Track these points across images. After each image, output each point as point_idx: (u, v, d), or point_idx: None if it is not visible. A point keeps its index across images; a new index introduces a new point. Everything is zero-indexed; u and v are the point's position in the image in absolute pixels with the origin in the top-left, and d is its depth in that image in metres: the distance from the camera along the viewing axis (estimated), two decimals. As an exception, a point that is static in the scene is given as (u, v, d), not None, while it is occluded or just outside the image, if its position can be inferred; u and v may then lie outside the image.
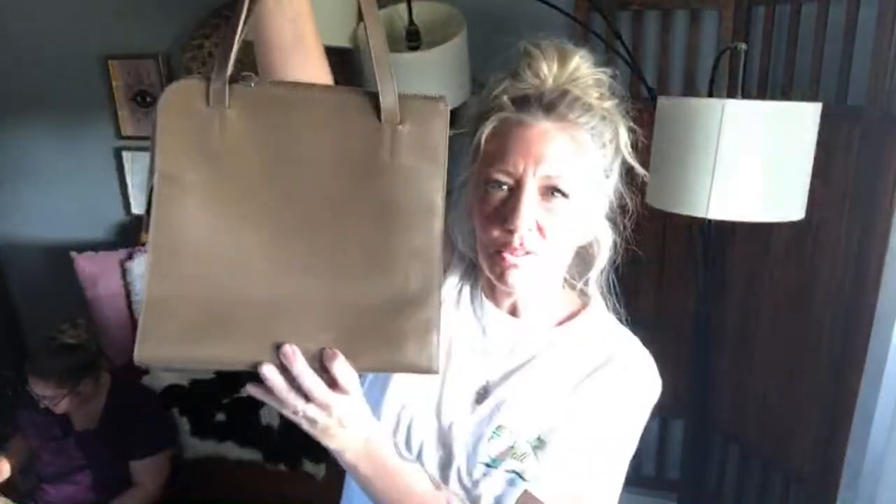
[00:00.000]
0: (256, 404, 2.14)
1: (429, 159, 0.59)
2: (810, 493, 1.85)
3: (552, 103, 0.72)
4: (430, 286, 0.60)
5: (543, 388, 0.78)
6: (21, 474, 2.17)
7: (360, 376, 0.63)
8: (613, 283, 0.85)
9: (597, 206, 0.78)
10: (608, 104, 0.75)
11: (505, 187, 0.72)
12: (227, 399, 2.21)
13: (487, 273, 0.78)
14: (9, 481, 2.01)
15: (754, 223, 1.42)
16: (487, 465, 0.75)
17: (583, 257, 0.83)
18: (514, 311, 0.82)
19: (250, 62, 0.73)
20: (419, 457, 0.78)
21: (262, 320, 0.57)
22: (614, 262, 0.83)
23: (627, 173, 0.81)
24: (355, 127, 0.58)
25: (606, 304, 0.86)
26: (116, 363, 2.44)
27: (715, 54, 1.76)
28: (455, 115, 2.29)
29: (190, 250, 0.57)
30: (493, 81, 0.76)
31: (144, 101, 2.66)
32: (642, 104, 1.67)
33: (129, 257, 2.53)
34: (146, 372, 2.40)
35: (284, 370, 0.58)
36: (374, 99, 0.58)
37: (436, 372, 0.61)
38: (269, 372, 0.58)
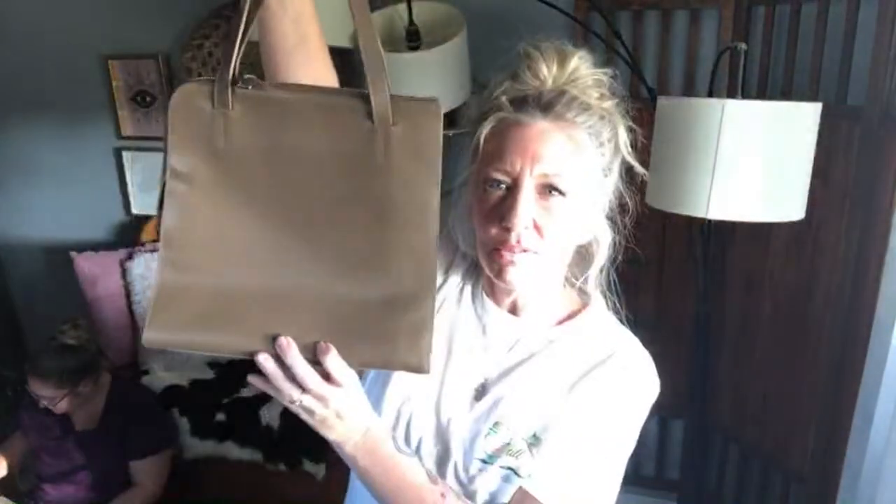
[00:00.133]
0: (256, 404, 2.15)
1: (422, 160, 0.59)
2: (810, 493, 1.85)
3: (550, 103, 0.73)
4: (425, 286, 0.61)
5: (541, 385, 0.79)
6: (21, 474, 2.17)
7: (360, 372, 0.64)
8: (614, 282, 0.85)
9: (596, 205, 0.79)
10: (607, 104, 0.76)
11: (503, 186, 0.73)
12: (227, 399, 2.21)
13: (487, 271, 0.78)
14: (9, 481, 2.02)
15: (754, 223, 1.42)
16: (483, 462, 0.76)
17: (583, 256, 0.83)
18: (514, 310, 0.83)
19: (258, 62, 0.74)
20: (417, 452, 0.79)
21: (262, 312, 0.60)
22: (614, 261, 0.83)
23: (627, 173, 0.81)
24: (350, 128, 0.59)
25: (607, 304, 0.86)
26: (116, 363, 2.45)
27: (715, 54, 1.76)
28: (455, 115, 2.29)
29: (196, 244, 0.61)
30: (494, 83, 0.77)
31: (144, 101, 2.67)
32: (642, 104, 1.67)
33: (129, 257, 2.53)
34: (146, 372, 2.41)
35: (280, 360, 0.60)
36: (368, 101, 0.59)
37: (426, 372, 0.62)
38: (265, 360, 0.60)
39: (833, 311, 1.74)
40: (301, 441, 2.05)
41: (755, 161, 1.32)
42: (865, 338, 1.65)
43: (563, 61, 0.74)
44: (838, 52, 1.67)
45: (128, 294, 2.52)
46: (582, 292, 0.86)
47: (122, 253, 2.56)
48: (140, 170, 2.75)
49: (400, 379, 0.81)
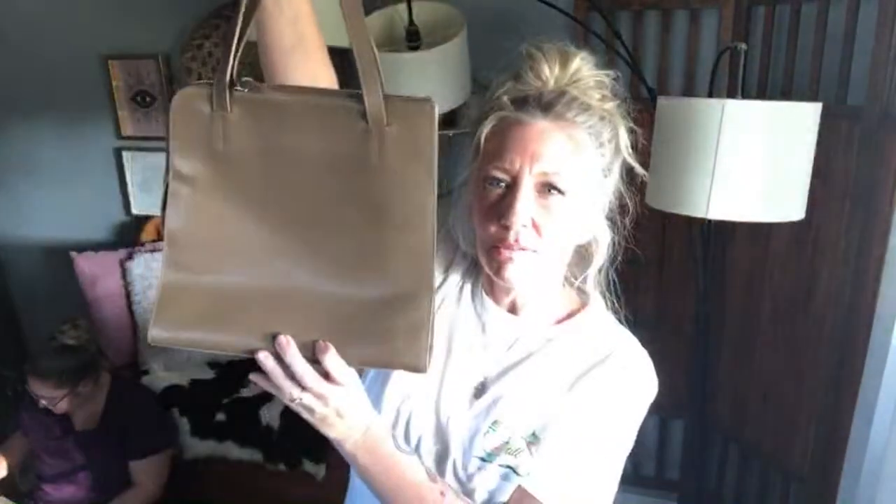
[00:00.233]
0: (256, 404, 2.15)
1: (417, 160, 0.59)
2: (810, 493, 1.85)
3: (550, 103, 0.73)
4: (423, 285, 0.61)
5: (540, 384, 0.79)
6: (21, 474, 2.17)
7: (360, 371, 0.64)
8: (614, 282, 0.85)
9: (595, 205, 0.79)
10: (609, 105, 0.76)
11: (502, 184, 0.74)
12: (227, 399, 2.21)
13: (486, 268, 0.79)
14: (9, 481, 2.02)
15: (754, 223, 1.42)
16: (482, 460, 0.77)
17: (582, 256, 0.84)
18: (513, 309, 0.83)
19: (257, 62, 0.74)
20: (417, 450, 0.79)
21: (262, 311, 0.61)
22: (614, 261, 0.84)
23: (627, 174, 0.81)
24: (345, 130, 0.60)
25: (606, 304, 0.86)
26: (116, 363, 2.45)
27: (715, 54, 1.76)
28: (455, 115, 2.29)
29: (199, 244, 0.62)
30: (496, 83, 0.78)
31: (144, 101, 2.67)
32: (642, 104, 1.67)
33: (129, 257, 2.53)
34: (146, 372, 2.41)
35: (280, 359, 0.61)
36: (363, 102, 0.59)
37: (424, 371, 0.62)
38: (265, 358, 0.61)
39: (833, 311, 1.74)
40: (301, 441, 2.05)
41: (755, 161, 1.32)
42: (865, 338, 1.65)
43: (565, 62, 0.75)
44: (838, 52, 1.67)
45: (128, 294, 2.52)
46: (581, 292, 0.86)
47: (122, 253, 2.56)
48: (140, 170, 2.75)
49: (399, 377, 0.81)
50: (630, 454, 0.80)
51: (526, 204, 0.72)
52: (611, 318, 0.86)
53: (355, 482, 0.89)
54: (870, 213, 1.61)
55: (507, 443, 0.77)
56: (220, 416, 2.17)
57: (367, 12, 1.89)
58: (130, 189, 2.78)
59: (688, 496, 2.26)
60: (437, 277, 0.85)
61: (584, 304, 0.85)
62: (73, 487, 1.97)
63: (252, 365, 0.62)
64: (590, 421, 0.77)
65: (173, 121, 0.61)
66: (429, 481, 0.73)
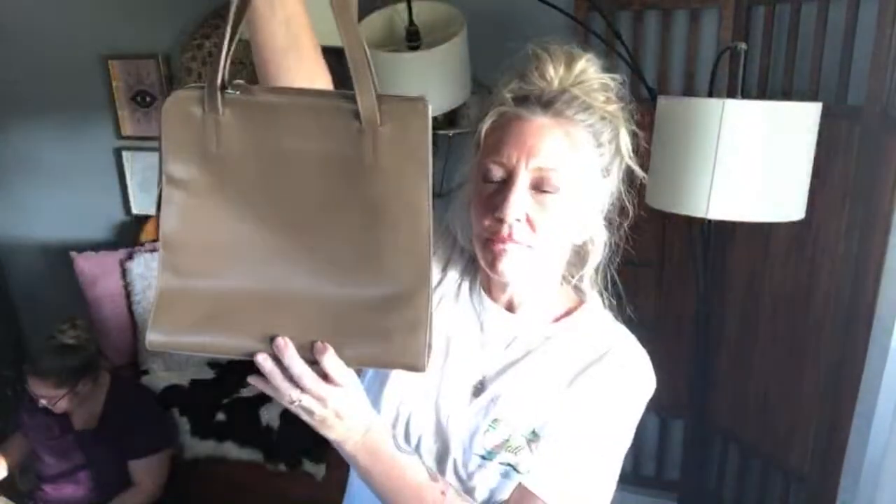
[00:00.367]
0: (256, 404, 2.15)
1: (411, 159, 0.59)
2: (810, 493, 1.86)
3: (550, 100, 0.74)
4: (420, 284, 0.61)
5: (539, 382, 0.79)
6: (21, 474, 2.18)
7: (358, 371, 0.64)
8: (614, 282, 0.85)
9: (593, 204, 0.79)
10: (612, 107, 0.77)
11: (499, 178, 0.74)
12: (227, 399, 2.21)
13: (481, 262, 0.79)
14: (9, 481, 2.02)
15: (754, 223, 1.42)
16: (482, 458, 0.77)
17: (581, 256, 0.84)
18: (511, 307, 0.83)
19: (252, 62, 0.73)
20: (417, 449, 0.79)
21: (260, 313, 0.61)
22: (611, 261, 0.84)
23: (627, 175, 0.82)
24: (338, 130, 0.60)
25: (603, 302, 0.87)
26: (116, 363, 2.45)
27: (715, 54, 1.76)
28: (455, 115, 2.28)
29: (195, 248, 0.62)
30: (501, 82, 0.78)
31: (144, 101, 2.67)
32: (642, 104, 1.67)
33: (129, 257, 2.53)
34: (146, 372, 2.41)
35: (278, 361, 0.61)
36: (356, 102, 0.59)
37: (422, 370, 0.62)
38: (264, 360, 0.61)
39: (833, 311, 1.74)
40: (301, 441, 2.05)
41: (755, 161, 1.32)
42: (865, 338, 1.65)
43: (570, 63, 0.75)
44: (838, 52, 1.67)
45: (128, 294, 2.52)
46: (578, 290, 0.86)
47: (122, 253, 2.56)
48: (140, 170, 2.76)
49: (398, 377, 0.81)
50: (630, 454, 0.80)
51: (520, 198, 0.72)
52: (608, 316, 0.86)
53: (354, 482, 0.89)
54: (870, 213, 1.61)
55: (507, 441, 0.77)
56: (220, 416, 2.17)
57: (367, 12, 1.90)
58: (130, 189, 2.78)
59: (688, 496, 2.25)
60: (435, 275, 0.85)
61: (581, 302, 0.85)
62: (73, 487, 1.97)
63: (252, 366, 0.62)
64: (589, 418, 0.77)
65: (165, 125, 0.61)
66: (430, 481, 0.73)
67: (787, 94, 1.81)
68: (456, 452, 0.78)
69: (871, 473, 1.70)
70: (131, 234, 2.75)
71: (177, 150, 0.61)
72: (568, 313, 0.84)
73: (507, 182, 0.74)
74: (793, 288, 1.85)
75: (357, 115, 0.59)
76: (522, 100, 0.75)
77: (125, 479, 1.97)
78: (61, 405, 1.86)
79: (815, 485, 1.83)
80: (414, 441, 0.80)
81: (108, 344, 2.46)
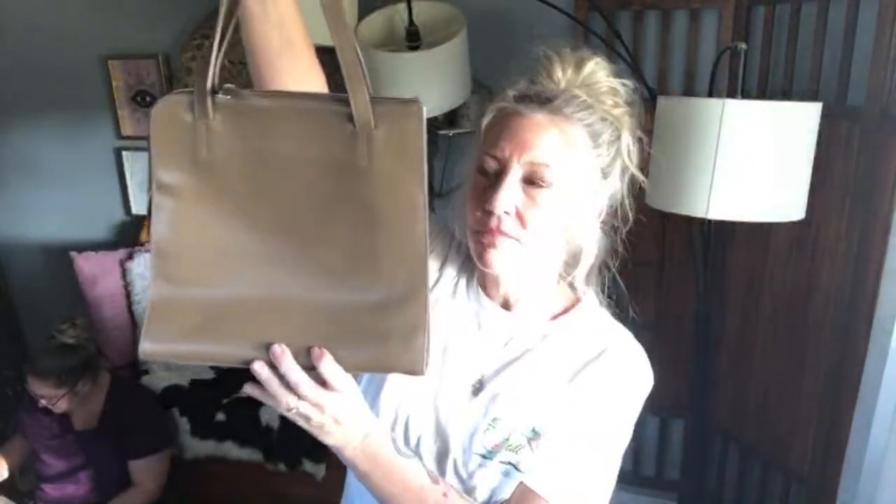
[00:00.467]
0: (256, 404, 2.14)
1: (406, 162, 0.59)
2: (810, 493, 1.86)
3: (550, 98, 0.74)
4: (417, 287, 0.60)
5: (537, 380, 0.79)
6: (21, 474, 2.18)
7: (356, 375, 0.64)
8: (614, 282, 0.85)
9: (588, 204, 0.79)
10: (617, 111, 0.77)
11: (493, 171, 0.75)
12: (226, 399, 2.21)
13: (473, 256, 0.79)
14: (9, 481, 2.02)
15: (754, 223, 1.42)
16: (483, 457, 0.77)
17: (576, 256, 0.83)
18: (506, 304, 0.83)
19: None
20: (417, 450, 0.79)
21: (255, 321, 0.60)
22: (614, 261, 0.84)
23: (629, 179, 0.82)
24: (332, 133, 0.59)
25: (600, 301, 0.86)
26: (116, 363, 2.45)
27: (715, 54, 1.76)
28: (455, 116, 2.26)
29: (187, 255, 0.60)
30: (510, 82, 0.79)
31: (144, 101, 2.67)
32: (642, 104, 1.67)
33: (129, 257, 2.54)
34: (146, 372, 2.41)
35: (275, 368, 0.60)
36: (349, 104, 0.59)
37: (421, 374, 0.61)
38: (260, 368, 0.60)
39: (833, 311, 1.74)
40: (301, 441, 2.05)
41: (755, 161, 1.32)
42: (865, 338, 1.65)
43: (579, 66, 0.76)
44: (838, 52, 1.67)
45: (128, 294, 2.52)
46: (574, 288, 0.86)
47: (121, 253, 2.56)
48: (140, 170, 2.75)
49: (396, 379, 0.81)
50: (630, 454, 0.80)
51: (510, 191, 0.73)
52: (605, 314, 0.86)
53: (352, 483, 0.89)
54: (870, 213, 1.61)
55: (507, 440, 0.77)
56: (220, 416, 2.17)
57: (367, 12, 1.90)
58: (130, 189, 2.78)
59: (688, 496, 2.25)
60: (432, 275, 0.85)
61: (578, 300, 0.85)
62: (73, 487, 1.97)
63: (248, 374, 0.61)
64: (588, 416, 0.77)
65: (154, 131, 0.60)
66: (430, 483, 0.72)
67: (787, 95, 1.81)
68: (456, 452, 0.78)
69: (871, 473, 1.70)
70: (131, 234, 2.75)
71: (167, 157, 0.60)
72: (565, 311, 0.84)
73: (498, 175, 0.74)
74: (793, 288, 1.85)
75: (350, 118, 0.58)
76: (523, 97, 0.76)
77: (125, 479, 1.97)
78: (61, 405, 1.86)
79: (815, 485, 1.83)
80: (413, 442, 0.79)
81: (108, 344, 2.46)
